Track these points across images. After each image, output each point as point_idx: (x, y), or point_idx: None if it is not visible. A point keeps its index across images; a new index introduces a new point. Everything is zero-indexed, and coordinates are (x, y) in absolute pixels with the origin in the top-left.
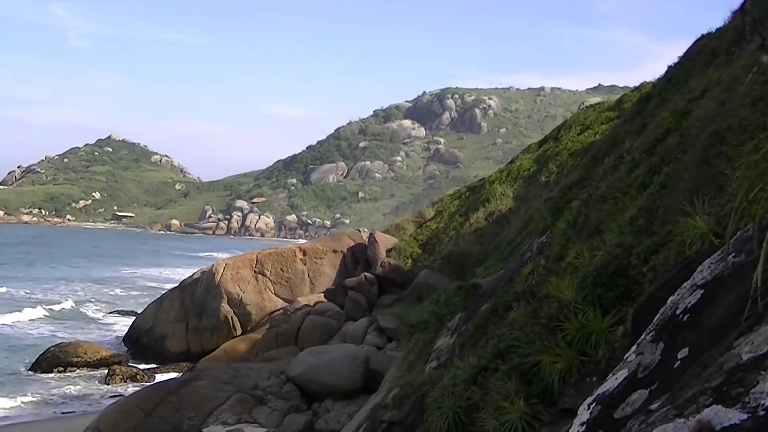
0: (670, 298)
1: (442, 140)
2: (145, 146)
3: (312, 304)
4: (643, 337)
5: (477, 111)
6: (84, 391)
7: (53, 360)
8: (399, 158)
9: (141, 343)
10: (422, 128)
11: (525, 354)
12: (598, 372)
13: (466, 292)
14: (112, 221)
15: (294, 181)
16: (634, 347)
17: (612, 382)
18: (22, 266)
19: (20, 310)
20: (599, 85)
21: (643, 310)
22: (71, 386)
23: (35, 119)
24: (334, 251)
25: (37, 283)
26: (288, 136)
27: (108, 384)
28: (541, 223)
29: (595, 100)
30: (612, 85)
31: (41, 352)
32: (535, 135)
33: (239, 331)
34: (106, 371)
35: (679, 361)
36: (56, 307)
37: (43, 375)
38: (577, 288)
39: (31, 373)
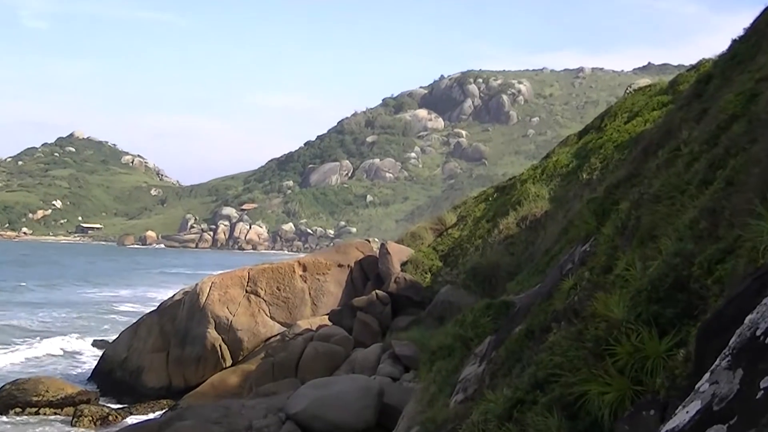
0: (749, 317)
1: (463, 132)
2: (114, 145)
3: (314, 329)
4: (717, 363)
5: (504, 97)
6: None
7: (9, 400)
8: (413, 155)
9: (113, 377)
10: (440, 119)
11: (568, 384)
12: (657, 404)
13: (496, 311)
14: (77, 234)
15: (290, 183)
16: (707, 375)
17: (682, 417)
18: None
19: None
20: (649, 63)
21: (709, 330)
22: (30, 430)
23: None
24: (340, 265)
25: None
26: (283, 130)
27: (75, 427)
28: (583, 229)
29: (644, 81)
30: (664, 64)
31: None
32: (573, 124)
33: (229, 361)
34: (72, 412)
35: (762, 391)
36: (11, 337)
37: None
38: (628, 305)
39: None
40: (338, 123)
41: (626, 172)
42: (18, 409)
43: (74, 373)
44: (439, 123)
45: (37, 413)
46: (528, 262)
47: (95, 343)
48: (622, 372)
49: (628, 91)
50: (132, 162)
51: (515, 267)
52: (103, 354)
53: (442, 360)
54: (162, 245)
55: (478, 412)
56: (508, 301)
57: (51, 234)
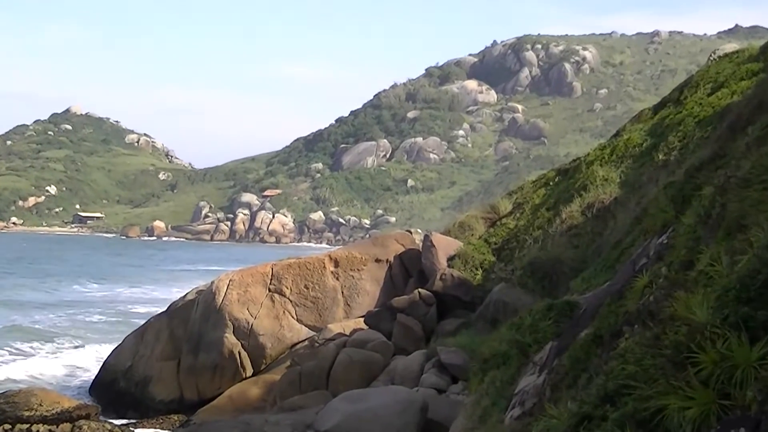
0: None
1: (519, 107)
2: (117, 122)
3: (348, 333)
4: None
5: (567, 66)
6: None
7: None
8: (462, 133)
9: (116, 389)
10: (492, 91)
11: (643, 397)
12: (747, 420)
13: (558, 312)
14: (74, 225)
15: (319, 166)
16: None
17: None
18: None
19: None
20: (736, 26)
21: None
22: None
23: None
24: (377, 260)
25: None
26: (311, 105)
27: None
28: (659, 218)
29: (731, 47)
30: (754, 27)
31: None
32: (647, 97)
33: (250, 370)
34: (69, 429)
35: None
36: (9, 341)
37: None
38: (713, 306)
39: None
40: (374, 96)
41: (710, 152)
42: (7, 426)
43: (72, 384)
44: (492, 96)
45: (29, 430)
46: (595, 256)
47: (74, 349)
48: (706, 383)
49: (711, 58)
50: (137, 141)
51: (580, 262)
52: (104, 362)
53: (495, 369)
54: (172, 237)
55: (538, 429)
56: (572, 301)
57: (44, 224)
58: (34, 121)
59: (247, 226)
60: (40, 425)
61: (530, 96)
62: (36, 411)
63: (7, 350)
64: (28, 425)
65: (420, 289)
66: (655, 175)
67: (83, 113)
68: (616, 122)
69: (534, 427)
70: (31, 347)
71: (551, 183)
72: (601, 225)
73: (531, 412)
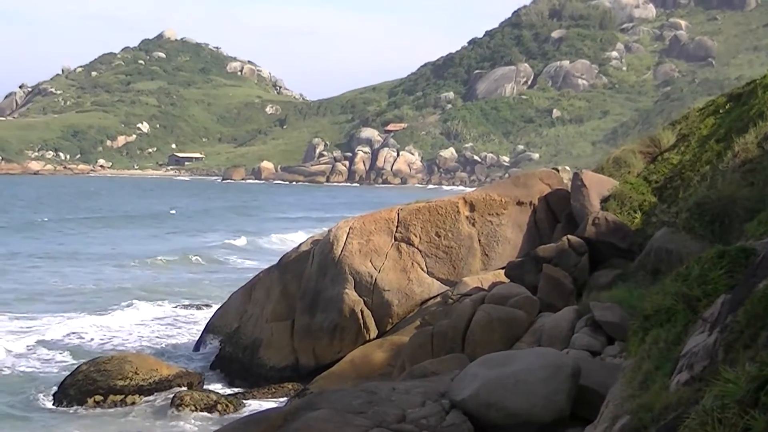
0: None
1: (683, 23)
2: (218, 48)
3: (486, 287)
4: None
5: None
6: (137, 431)
7: (86, 385)
8: (615, 54)
9: (222, 354)
10: (651, 5)
11: None
12: None
13: (731, 261)
14: (170, 166)
15: (451, 95)
16: None
17: None
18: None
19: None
20: None
21: None
22: (115, 426)
23: (45, 12)
24: (519, 203)
25: (73, 263)
26: (440, 25)
27: (173, 419)
28: None
29: None
30: None
31: (68, 374)
32: None
33: (374, 331)
34: (169, 399)
35: None
36: (91, 300)
37: (72, 410)
38: None
39: (55, 406)
40: (513, 14)
41: None
42: (99, 397)
43: (170, 348)
44: (650, 10)
45: (123, 401)
46: None
47: (174, 308)
48: None
49: None
50: (241, 70)
51: (757, 202)
52: (207, 324)
53: (658, 327)
54: (282, 180)
55: (712, 395)
56: (748, 247)
57: (136, 166)
58: (123, 49)
59: (367, 166)
60: (136, 396)
61: (695, 10)
62: (131, 380)
63: (93, 308)
64: (122, 396)
65: (569, 236)
66: None
67: (178, 38)
68: None
69: (707, 393)
70: (121, 306)
71: (721, 111)
72: None
73: (701, 376)
